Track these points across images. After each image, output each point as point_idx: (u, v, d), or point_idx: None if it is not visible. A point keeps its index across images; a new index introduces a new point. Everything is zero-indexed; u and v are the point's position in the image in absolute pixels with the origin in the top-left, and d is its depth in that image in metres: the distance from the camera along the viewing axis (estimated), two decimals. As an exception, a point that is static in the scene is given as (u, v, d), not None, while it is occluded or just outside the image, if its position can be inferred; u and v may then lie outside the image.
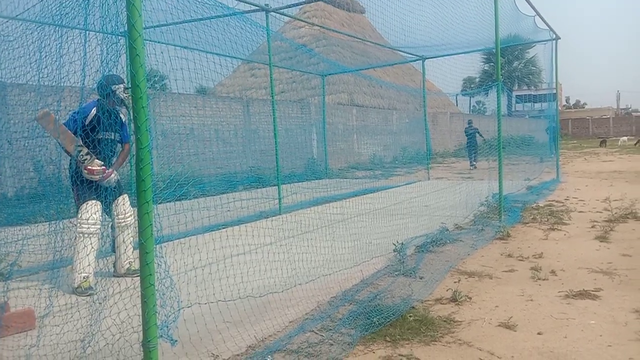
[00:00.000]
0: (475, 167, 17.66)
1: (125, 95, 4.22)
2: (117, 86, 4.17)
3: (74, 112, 4.24)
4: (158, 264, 2.53)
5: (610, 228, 6.41)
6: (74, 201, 4.39)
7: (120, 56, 2.48)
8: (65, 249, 3.82)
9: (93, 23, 2.70)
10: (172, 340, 2.58)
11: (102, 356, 2.91)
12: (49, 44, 2.97)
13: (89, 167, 4.18)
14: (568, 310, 3.63)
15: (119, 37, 2.54)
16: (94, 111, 4.24)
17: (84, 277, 4.15)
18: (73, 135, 4.12)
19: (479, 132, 19.04)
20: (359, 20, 29.80)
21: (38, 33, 3.16)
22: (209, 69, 4.31)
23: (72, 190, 4.40)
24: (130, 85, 2.23)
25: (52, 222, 3.77)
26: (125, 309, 2.98)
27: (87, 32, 2.83)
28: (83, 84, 2.86)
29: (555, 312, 3.62)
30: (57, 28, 3.08)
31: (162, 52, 2.84)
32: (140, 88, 2.19)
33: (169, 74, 3.11)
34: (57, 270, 4.20)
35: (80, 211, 4.26)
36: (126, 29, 2.22)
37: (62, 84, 3.03)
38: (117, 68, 2.49)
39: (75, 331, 3.08)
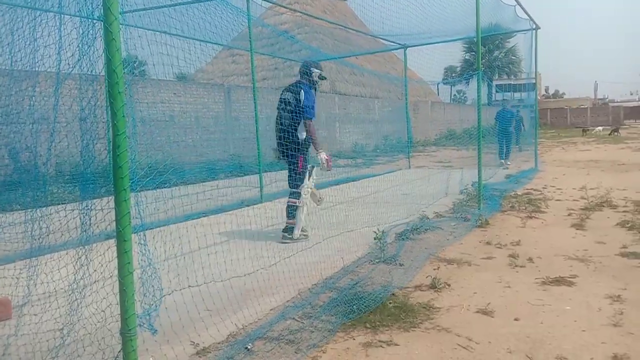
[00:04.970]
0: (507, 165, 13.65)
1: (317, 79, 5.60)
2: (315, 70, 5.57)
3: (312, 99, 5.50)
4: (141, 252, 2.50)
5: (586, 216, 6.54)
6: (297, 170, 5.48)
7: (95, 40, 2.42)
8: (43, 237, 3.75)
9: (68, 6, 2.63)
10: (152, 329, 2.56)
11: (82, 345, 2.88)
12: (22, 27, 2.88)
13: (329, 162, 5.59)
14: (544, 297, 3.71)
15: (95, 21, 2.48)
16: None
17: (303, 233, 5.57)
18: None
19: (517, 119, 16.09)
20: (341, 7, 29.62)
21: (10, 15, 3.06)
22: (189, 54, 4.26)
23: (297, 162, 5.46)
24: (106, 70, 2.18)
25: (29, 210, 3.69)
26: (106, 298, 2.95)
27: (62, 15, 2.75)
28: (59, 68, 2.79)
29: (531, 298, 3.69)
30: (30, 10, 2.99)
31: (139, 37, 2.78)
32: (117, 73, 2.14)
33: (147, 60, 3.05)
34: (34, 259, 4.13)
35: (308, 177, 5.51)
36: (102, 12, 2.16)
37: (36, 69, 2.95)
38: (92, 52, 2.43)
39: (54, 320, 3.04)
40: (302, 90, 5.45)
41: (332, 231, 5.72)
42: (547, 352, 2.83)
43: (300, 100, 5.40)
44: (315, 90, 5.64)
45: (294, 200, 5.47)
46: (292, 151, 5.39)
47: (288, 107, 5.46)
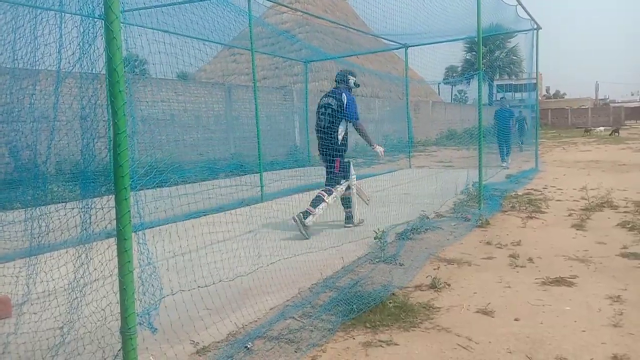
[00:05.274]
0: (507, 166, 13.49)
1: (353, 85, 6.13)
2: (352, 77, 6.11)
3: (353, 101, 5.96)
4: (141, 251, 2.50)
5: (586, 216, 6.53)
6: (335, 172, 5.88)
7: (96, 38, 2.42)
8: (43, 236, 3.74)
9: (69, 4, 2.63)
10: (152, 328, 2.56)
11: (82, 344, 2.88)
12: (23, 25, 2.88)
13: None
14: (544, 297, 3.71)
15: (96, 20, 2.48)
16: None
17: (359, 218, 6.19)
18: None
19: (515, 117, 15.97)
20: (342, 6, 29.62)
21: (12, 13, 3.06)
22: (189, 54, 4.26)
23: (334, 164, 5.87)
24: (106, 69, 2.18)
25: (29, 208, 3.69)
26: (106, 296, 2.95)
27: (63, 13, 2.75)
28: (59, 67, 2.79)
29: (532, 298, 3.69)
30: (31, 9, 2.99)
31: (139, 36, 2.78)
32: (117, 72, 2.14)
33: (147, 58, 3.04)
34: (34, 258, 4.13)
35: (350, 173, 6.01)
36: (103, 11, 2.16)
37: (37, 67, 2.95)
38: (93, 51, 2.43)
39: (54, 319, 3.04)
40: (343, 94, 5.89)
41: (332, 230, 5.72)
42: (547, 353, 2.83)
43: (342, 103, 5.83)
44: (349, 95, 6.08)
45: (323, 193, 5.70)
46: (331, 153, 5.76)
47: (328, 111, 5.91)
